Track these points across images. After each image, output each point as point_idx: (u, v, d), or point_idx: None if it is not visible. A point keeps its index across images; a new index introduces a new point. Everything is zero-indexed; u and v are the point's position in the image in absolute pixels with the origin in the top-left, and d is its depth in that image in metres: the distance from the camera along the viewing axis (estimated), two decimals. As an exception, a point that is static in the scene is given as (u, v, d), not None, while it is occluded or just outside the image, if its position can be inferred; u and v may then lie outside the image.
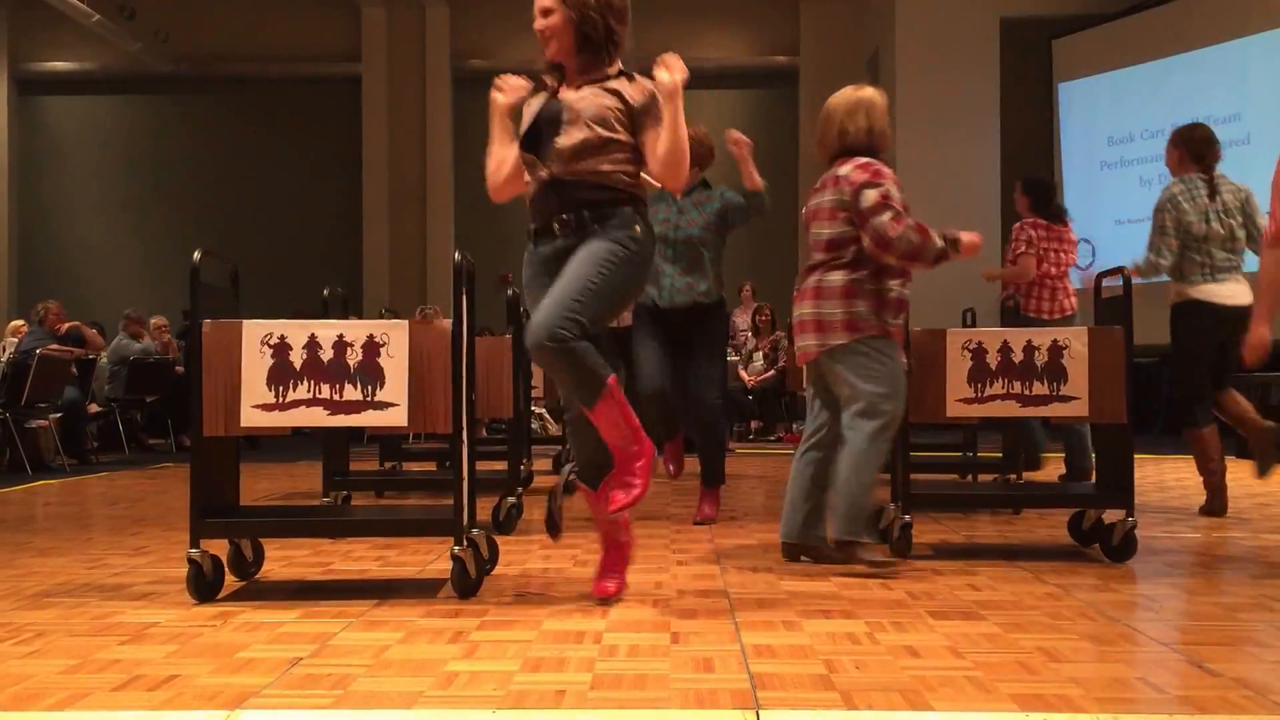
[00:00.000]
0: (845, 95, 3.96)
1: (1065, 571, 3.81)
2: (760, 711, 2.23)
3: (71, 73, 16.02)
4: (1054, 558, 4.14)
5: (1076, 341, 3.98)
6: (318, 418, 3.40)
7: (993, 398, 3.99)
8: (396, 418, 3.39)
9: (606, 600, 3.27)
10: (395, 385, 3.39)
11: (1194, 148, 5.37)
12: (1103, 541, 4.07)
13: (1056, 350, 3.98)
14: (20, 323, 9.98)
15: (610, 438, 3.21)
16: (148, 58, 15.27)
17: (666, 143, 3.18)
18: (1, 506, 6.21)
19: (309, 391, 3.39)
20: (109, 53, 15.46)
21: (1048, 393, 3.98)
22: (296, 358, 3.39)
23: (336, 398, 3.39)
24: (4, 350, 9.55)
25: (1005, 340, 4.01)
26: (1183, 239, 5.26)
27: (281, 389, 3.39)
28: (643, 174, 3.35)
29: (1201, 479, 5.37)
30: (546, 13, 3.26)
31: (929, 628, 2.95)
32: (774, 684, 2.42)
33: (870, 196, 3.74)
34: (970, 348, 3.99)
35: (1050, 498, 4.78)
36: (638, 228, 3.25)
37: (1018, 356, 3.99)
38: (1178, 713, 2.23)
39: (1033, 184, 6.44)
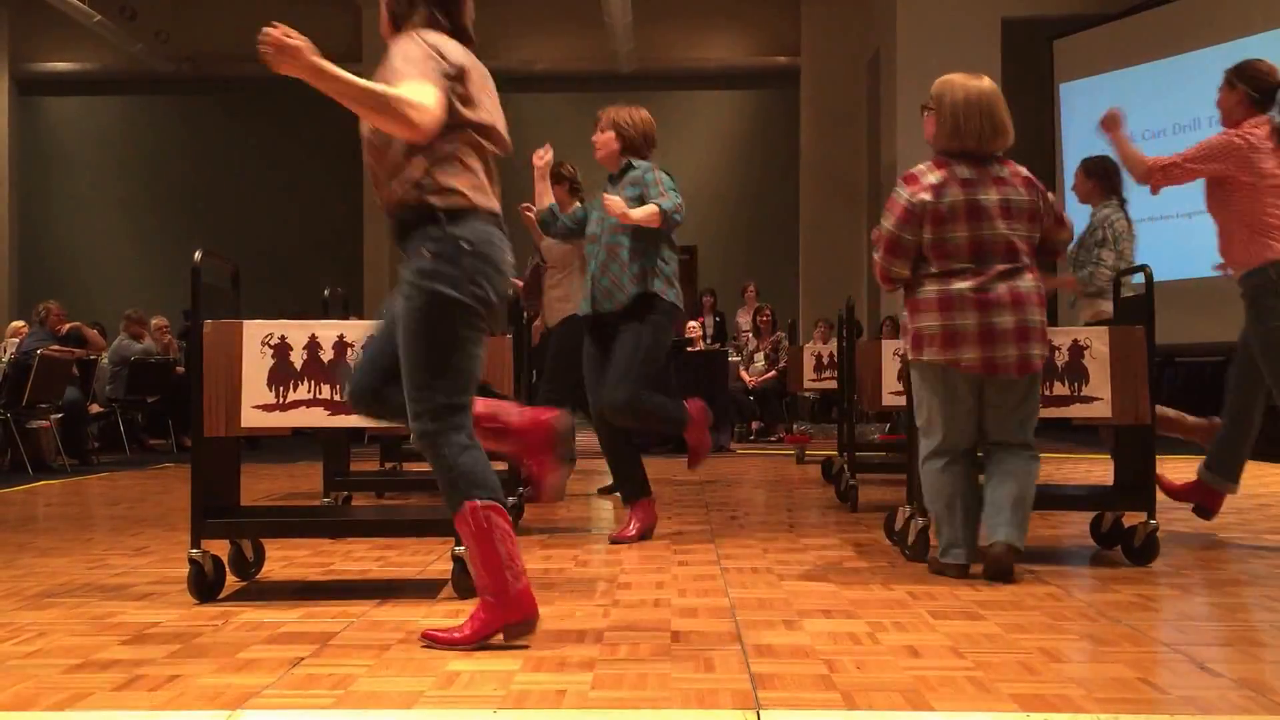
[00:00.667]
0: (989, 85, 3.74)
1: (1066, 572, 3.81)
2: (761, 711, 2.23)
3: (72, 73, 16.03)
4: (1054, 558, 4.13)
5: (1097, 341, 3.94)
6: (318, 418, 3.40)
7: None
8: (397, 418, 3.39)
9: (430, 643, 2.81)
10: (396, 385, 3.39)
11: (1109, 180, 5.57)
12: (1124, 544, 4.02)
13: (1077, 350, 3.93)
14: (21, 323, 9.98)
15: (471, 565, 2.81)
16: (149, 58, 15.27)
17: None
18: (3, 507, 6.22)
19: (309, 392, 3.39)
20: (110, 53, 15.46)
21: (1069, 393, 3.93)
22: (297, 358, 3.39)
23: (337, 398, 3.39)
24: (5, 351, 9.56)
25: None
26: (1113, 259, 5.46)
27: (282, 389, 3.39)
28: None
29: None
30: None
31: (930, 628, 2.95)
32: (775, 684, 2.42)
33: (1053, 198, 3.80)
34: None
35: (1070, 499, 4.58)
36: (426, 249, 2.73)
37: None
38: (1179, 713, 2.23)
39: None
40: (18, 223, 15.97)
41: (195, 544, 3.38)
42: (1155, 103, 11.73)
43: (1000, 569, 3.55)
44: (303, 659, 2.67)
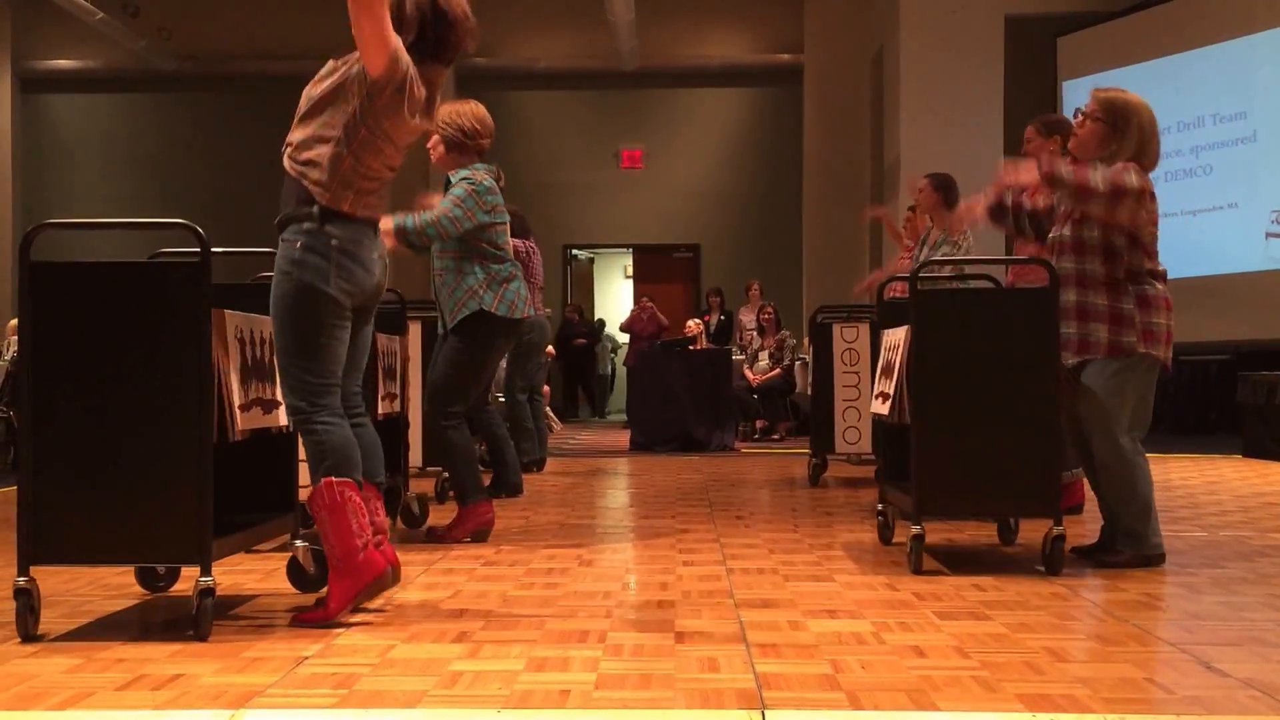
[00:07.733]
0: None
1: (1071, 571, 3.79)
2: (765, 711, 2.23)
3: (75, 71, 16.03)
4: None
5: None
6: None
7: None
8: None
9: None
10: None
11: (951, 193, 5.84)
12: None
13: None
14: (23, 321, 9.96)
15: (324, 538, 3.03)
16: (151, 56, 15.28)
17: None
18: (5, 505, 6.21)
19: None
20: (113, 51, 15.46)
21: None
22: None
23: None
24: (6, 349, 9.55)
25: None
26: None
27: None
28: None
29: None
30: None
31: (935, 628, 2.94)
32: (779, 684, 2.41)
33: None
34: None
35: None
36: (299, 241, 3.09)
37: None
38: (1185, 713, 2.22)
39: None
40: (20, 220, 15.98)
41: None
42: (1159, 100, 11.68)
43: None
44: (306, 658, 2.66)
